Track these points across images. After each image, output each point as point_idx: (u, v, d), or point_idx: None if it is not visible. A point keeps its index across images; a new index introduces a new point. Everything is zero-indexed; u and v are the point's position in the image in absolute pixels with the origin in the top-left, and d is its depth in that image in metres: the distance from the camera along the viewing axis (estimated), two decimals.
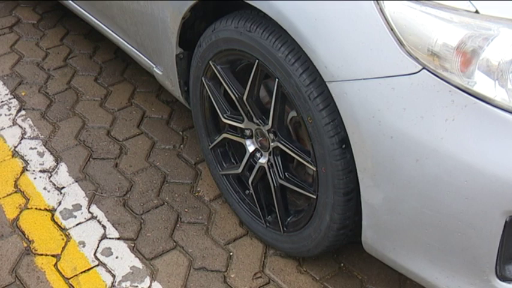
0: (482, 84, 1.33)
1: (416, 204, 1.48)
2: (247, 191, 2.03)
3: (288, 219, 1.90)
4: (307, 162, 1.72)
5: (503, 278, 1.45)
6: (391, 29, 1.39)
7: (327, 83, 1.53)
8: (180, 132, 2.52)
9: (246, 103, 1.86)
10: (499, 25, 1.32)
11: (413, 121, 1.40)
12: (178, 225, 2.11)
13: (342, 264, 1.96)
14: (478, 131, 1.33)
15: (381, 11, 1.40)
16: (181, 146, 2.45)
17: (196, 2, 1.85)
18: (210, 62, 1.91)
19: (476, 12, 1.33)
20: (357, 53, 1.45)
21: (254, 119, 1.87)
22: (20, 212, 2.16)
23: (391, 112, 1.42)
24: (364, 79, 1.44)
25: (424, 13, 1.36)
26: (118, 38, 2.50)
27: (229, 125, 1.99)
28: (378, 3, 1.40)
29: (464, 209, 1.39)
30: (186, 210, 2.16)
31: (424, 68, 1.37)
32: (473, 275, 1.47)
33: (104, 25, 2.57)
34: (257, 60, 1.73)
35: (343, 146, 1.58)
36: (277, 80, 1.69)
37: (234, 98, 1.89)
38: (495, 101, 1.31)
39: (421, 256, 1.55)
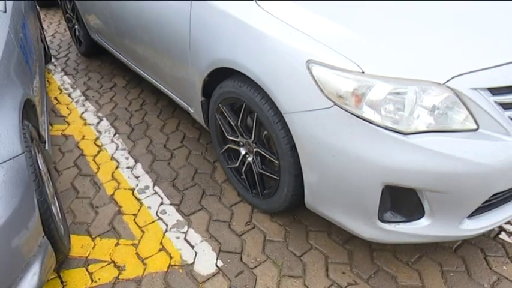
0: (367, 112, 1.30)
1: (334, 181, 1.44)
2: (242, 176, 1.99)
3: (264, 191, 1.87)
4: (274, 158, 1.69)
5: (383, 221, 1.43)
6: (316, 83, 1.35)
7: (283, 114, 1.49)
8: (205, 145, 2.48)
9: (239, 127, 1.84)
10: (375, 79, 1.29)
11: (329, 134, 1.36)
12: (203, 196, 2.07)
13: (295, 217, 1.92)
14: (365, 137, 1.30)
15: (311, 73, 1.37)
16: (206, 152, 2.41)
17: (210, 72, 1.83)
18: (219, 105, 1.88)
19: (363, 72, 1.30)
20: (298, 96, 1.41)
21: (244, 136, 1.84)
22: (115, 190, 2.12)
23: (317, 129, 1.38)
24: (302, 111, 1.41)
25: (334, 74, 1.32)
26: (168, 91, 2.45)
27: (230, 139, 1.96)
28: (308, 68, 1.37)
29: (360, 182, 1.36)
30: (208, 188, 2.12)
31: (335, 104, 1.33)
32: (366, 219, 1.44)
33: (160, 84, 2.52)
34: (245, 103, 1.71)
35: (293, 149, 1.54)
36: (256, 113, 1.66)
37: (233, 124, 1.87)
38: (374, 121, 1.29)
39: (337, 209, 1.52)
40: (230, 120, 1.87)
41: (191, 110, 2.24)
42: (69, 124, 2.75)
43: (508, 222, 1.84)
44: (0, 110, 1.37)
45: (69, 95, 3.16)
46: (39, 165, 1.61)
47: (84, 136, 2.61)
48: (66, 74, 3.53)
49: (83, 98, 3.11)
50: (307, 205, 1.64)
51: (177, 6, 1.94)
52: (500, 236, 1.77)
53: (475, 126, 1.29)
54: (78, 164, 2.34)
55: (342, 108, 1.32)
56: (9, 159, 1.26)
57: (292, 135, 1.50)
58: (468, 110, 1.29)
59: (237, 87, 1.71)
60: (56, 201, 1.80)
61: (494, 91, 1.30)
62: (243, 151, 1.92)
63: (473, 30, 1.45)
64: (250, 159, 1.88)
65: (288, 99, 1.45)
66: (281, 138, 1.56)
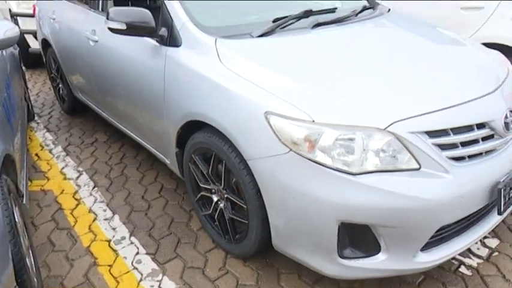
0: (320, 156, 1.43)
1: (296, 222, 1.54)
2: (215, 223, 2.07)
3: (236, 236, 1.95)
4: (242, 203, 1.79)
5: (343, 257, 1.52)
6: (273, 131, 1.50)
7: (247, 161, 1.62)
8: (182, 194, 2.57)
9: (210, 175, 1.96)
10: (324, 127, 1.44)
11: (288, 177, 1.48)
12: (178, 244, 2.13)
13: (268, 260, 1.99)
14: (319, 179, 1.43)
15: (269, 122, 1.52)
16: (182, 201, 2.50)
17: (183, 125, 1.99)
18: (192, 155, 2.01)
19: (313, 121, 1.45)
20: (259, 144, 1.55)
21: (215, 183, 1.96)
22: (91, 242, 2.17)
23: (278, 174, 1.51)
24: (263, 157, 1.54)
25: (289, 123, 1.47)
26: (146, 144, 2.58)
27: (203, 187, 2.05)
28: (266, 118, 1.52)
29: (319, 221, 1.47)
30: (183, 236, 2.19)
31: (291, 150, 1.47)
32: (327, 256, 1.53)
33: (139, 138, 2.65)
34: (214, 152, 1.84)
35: (258, 194, 1.65)
36: (224, 162, 1.79)
37: (204, 173, 1.99)
38: (326, 164, 1.42)
39: (302, 249, 1.60)
40: (202, 169, 1.99)
41: (167, 161, 2.36)
42: (48, 179, 2.84)
43: (467, 256, 1.95)
44: None
45: (50, 151, 3.28)
46: (16, 217, 1.69)
47: (63, 190, 2.69)
48: (48, 130, 3.67)
49: (63, 153, 3.22)
50: (275, 247, 1.73)
51: (153, 65, 2.14)
52: (460, 269, 1.88)
53: (417, 166, 1.45)
54: (55, 218, 2.41)
55: (297, 153, 1.47)
56: None
57: (256, 180, 1.62)
58: (409, 151, 1.45)
59: (207, 138, 1.85)
60: (31, 254, 1.86)
61: (431, 134, 1.48)
62: (215, 198, 2.02)
63: (409, 78, 1.66)
64: (221, 205, 1.98)
65: (251, 147, 1.60)
66: (247, 184, 1.68)
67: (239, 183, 1.74)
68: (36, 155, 3.22)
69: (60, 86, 3.97)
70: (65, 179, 2.84)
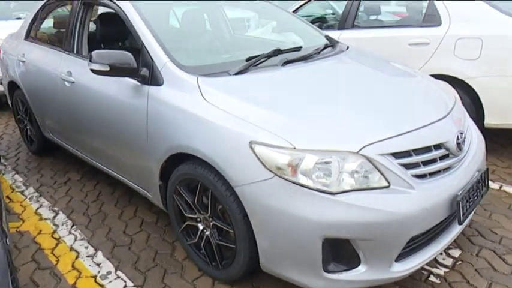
0: (302, 179, 1.59)
1: (283, 241, 1.66)
2: (201, 251, 2.14)
3: (223, 262, 2.02)
4: (229, 229, 1.89)
5: (328, 271, 1.65)
6: (258, 158, 1.65)
7: (234, 188, 1.74)
8: (164, 227, 2.62)
9: (196, 204, 2.06)
10: (305, 152, 1.61)
11: (274, 200, 1.62)
12: (165, 275, 2.17)
13: (254, 284, 2.07)
14: (302, 200, 1.58)
15: (254, 151, 1.67)
16: (165, 234, 2.55)
17: (167, 159, 2.10)
18: (177, 186, 2.10)
19: (294, 148, 1.62)
20: (245, 171, 1.69)
21: (201, 212, 2.05)
22: (76, 279, 2.18)
23: (264, 197, 1.64)
24: (249, 183, 1.68)
25: (272, 150, 1.63)
26: (126, 180, 2.62)
27: (189, 217, 2.13)
28: (251, 147, 1.67)
29: (304, 238, 1.60)
30: (169, 267, 2.24)
31: (275, 175, 1.62)
32: (313, 272, 1.65)
33: (118, 174, 2.69)
34: (200, 182, 1.95)
35: (245, 218, 1.76)
36: (210, 190, 1.90)
37: (190, 202, 2.08)
38: (308, 186, 1.58)
39: (288, 267, 1.71)
40: (187, 199, 2.08)
41: (149, 195, 2.43)
42: (24, 221, 2.80)
43: (435, 266, 2.15)
44: None
45: (21, 192, 3.23)
46: (8, 256, 1.71)
47: (40, 231, 2.67)
48: (17, 172, 3.62)
49: (36, 194, 3.19)
50: (262, 267, 1.83)
51: (135, 104, 2.26)
52: (429, 278, 2.07)
53: (387, 184, 1.65)
54: (36, 259, 2.39)
55: (281, 178, 1.62)
56: None
57: (243, 205, 1.75)
58: (379, 171, 1.65)
59: (193, 169, 1.97)
60: None
61: (397, 155, 1.70)
62: (200, 226, 2.11)
63: (373, 106, 1.89)
64: (208, 233, 2.07)
65: (237, 175, 1.73)
66: (234, 209, 1.80)
67: (226, 210, 1.85)
68: (8, 197, 3.17)
69: (28, 127, 3.95)
70: (41, 219, 2.82)
